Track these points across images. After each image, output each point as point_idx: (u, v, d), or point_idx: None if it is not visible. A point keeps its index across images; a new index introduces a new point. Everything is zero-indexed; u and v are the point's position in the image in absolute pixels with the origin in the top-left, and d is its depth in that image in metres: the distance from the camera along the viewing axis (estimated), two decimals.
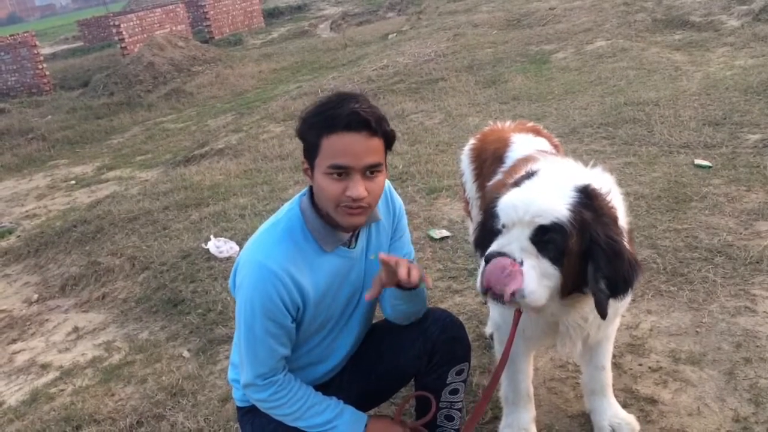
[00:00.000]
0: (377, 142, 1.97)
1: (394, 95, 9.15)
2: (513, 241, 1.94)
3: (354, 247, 2.17)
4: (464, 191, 3.18)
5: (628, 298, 2.28)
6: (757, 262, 3.47)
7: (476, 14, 14.71)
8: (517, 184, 2.10)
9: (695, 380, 2.74)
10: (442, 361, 2.30)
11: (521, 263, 1.90)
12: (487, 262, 1.93)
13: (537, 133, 2.96)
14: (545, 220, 1.92)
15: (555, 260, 1.93)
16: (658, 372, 2.83)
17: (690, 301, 3.27)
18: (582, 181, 2.04)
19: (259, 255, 2.04)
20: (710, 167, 4.76)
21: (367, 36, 16.91)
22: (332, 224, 2.07)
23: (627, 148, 5.47)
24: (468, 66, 9.88)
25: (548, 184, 2.04)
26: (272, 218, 2.17)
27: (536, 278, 1.91)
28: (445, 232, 4.45)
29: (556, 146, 2.98)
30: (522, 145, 2.78)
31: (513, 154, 2.74)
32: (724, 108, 5.87)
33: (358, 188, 1.94)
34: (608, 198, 2.06)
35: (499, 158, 2.81)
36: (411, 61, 10.69)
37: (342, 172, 1.93)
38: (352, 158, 1.92)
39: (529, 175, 2.14)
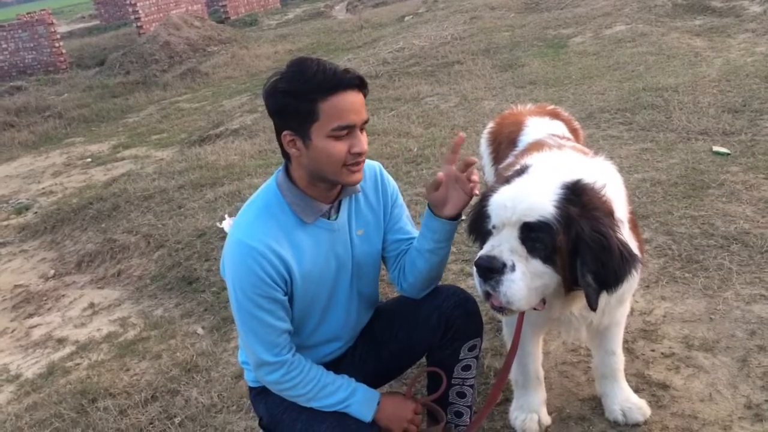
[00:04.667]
0: (363, 98, 2.04)
1: (410, 78, 9.11)
2: (503, 242, 1.95)
3: (335, 219, 2.17)
4: (484, 175, 3.17)
5: (634, 285, 2.26)
6: None
7: None
8: (508, 180, 2.10)
9: (708, 367, 2.73)
10: (456, 335, 2.30)
11: (512, 267, 1.90)
12: (477, 266, 1.95)
13: (555, 116, 2.94)
14: (531, 219, 1.92)
15: (546, 259, 1.94)
16: (670, 358, 2.82)
17: (704, 288, 3.26)
18: (571, 177, 2.01)
19: (238, 234, 2.06)
20: (728, 154, 4.71)
21: (383, 18, 16.80)
22: (310, 195, 2.09)
23: (644, 134, 5.42)
24: (484, 49, 9.80)
25: (536, 181, 2.03)
26: (250, 198, 2.19)
27: (523, 284, 1.91)
28: None
29: (574, 130, 2.96)
30: (535, 128, 2.76)
31: (525, 137, 2.73)
32: (743, 95, 5.80)
33: (362, 143, 2.01)
34: (601, 192, 2.02)
35: (512, 141, 2.80)
36: (427, 44, 10.62)
37: (349, 131, 1.98)
38: (355, 115, 1.98)
39: (521, 171, 2.13)
